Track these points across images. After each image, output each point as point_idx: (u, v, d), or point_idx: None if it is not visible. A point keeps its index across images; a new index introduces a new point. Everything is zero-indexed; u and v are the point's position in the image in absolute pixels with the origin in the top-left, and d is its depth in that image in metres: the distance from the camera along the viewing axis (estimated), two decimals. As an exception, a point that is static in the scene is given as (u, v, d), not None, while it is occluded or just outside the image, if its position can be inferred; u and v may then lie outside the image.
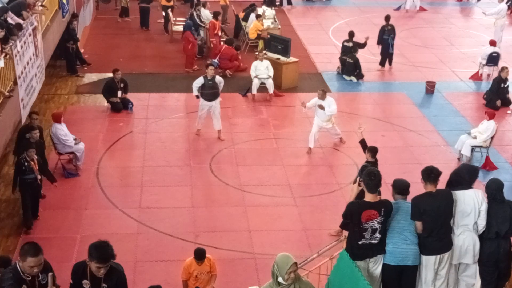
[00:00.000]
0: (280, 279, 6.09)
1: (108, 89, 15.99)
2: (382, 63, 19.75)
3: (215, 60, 18.43)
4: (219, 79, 14.50)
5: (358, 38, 18.65)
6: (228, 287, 9.70)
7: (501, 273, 8.06)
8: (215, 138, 14.67)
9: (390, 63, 19.86)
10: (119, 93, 15.96)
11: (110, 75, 16.36)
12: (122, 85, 16.03)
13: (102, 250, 6.32)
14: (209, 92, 14.29)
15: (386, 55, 19.68)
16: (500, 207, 7.80)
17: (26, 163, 10.85)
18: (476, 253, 7.83)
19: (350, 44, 19.02)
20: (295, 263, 6.11)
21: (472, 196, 7.73)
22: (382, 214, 7.25)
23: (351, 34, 19.21)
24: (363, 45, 18.84)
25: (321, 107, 13.87)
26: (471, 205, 7.69)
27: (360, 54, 19.01)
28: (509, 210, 7.80)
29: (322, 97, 13.96)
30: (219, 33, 20.11)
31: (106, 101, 16.10)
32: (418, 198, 7.57)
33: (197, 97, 14.51)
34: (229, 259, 10.45)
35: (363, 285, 6.83)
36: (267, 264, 10.28)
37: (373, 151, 10.89)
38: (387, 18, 19.74)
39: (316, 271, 8.34)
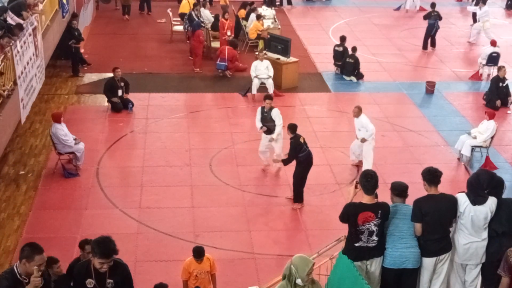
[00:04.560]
0: (298, 281, 6.00)
1: (109, 88, 15.94)
2: (424, 47, 21.48)
3: (224, 63, 18.36)
4: (275, 112, 13.21)
5: (359, 38, 18.63)
6: (228, 287, 9.71)
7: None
8: (215, 138, 14.69)
9: (433, 45, 21.54)
10: (119, 92, 15.89)
11: (111, 75, 16.34)
12: (122, 84, 15.98)
13: (105, 245, 6.33)
14: (268, 125, 13.34)
15: (428, 38, 21.48)
16: (500, 206, 7.78)
17: None
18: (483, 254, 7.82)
19: (341, 49, 19.08)
20: (314, 263, 6.09)
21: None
22: (379, 216, 7.17)
23: (342, 39, 19.29)
24: (353, 49, 18.85)
25: (363, 140, 13.09)
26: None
27: (361, 54, 19.01)
28: (508, 209, 7.78)
29: (358, 114, 13.09)
30: (228, 33, 20.00)
31: (106, 101, 16.08)
32: (421, 200, 7.49)
33: (262, 127, 13.30)
34: (229, 259, 10.45)
35: (361, 285, 6.83)
36: (267, 264, 10.33)
37: (291, 128, 11.83)
38: (433, 5, 21.69)
39: (316, 271, 8.31)
